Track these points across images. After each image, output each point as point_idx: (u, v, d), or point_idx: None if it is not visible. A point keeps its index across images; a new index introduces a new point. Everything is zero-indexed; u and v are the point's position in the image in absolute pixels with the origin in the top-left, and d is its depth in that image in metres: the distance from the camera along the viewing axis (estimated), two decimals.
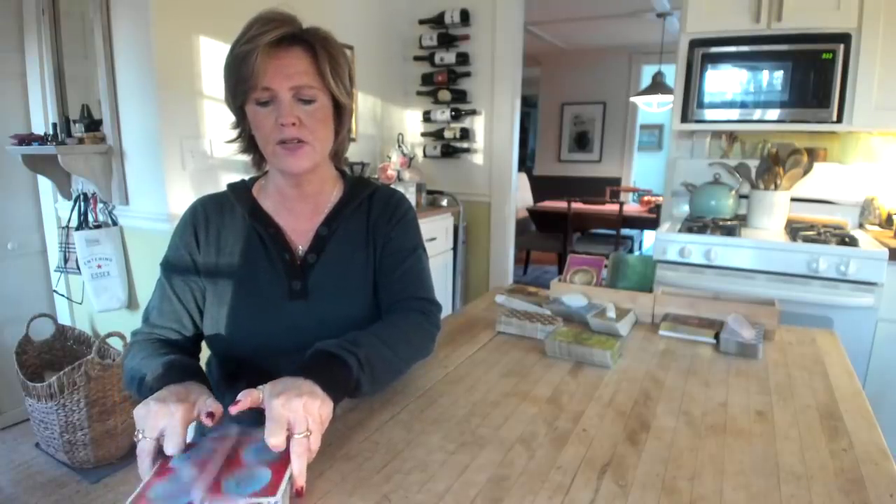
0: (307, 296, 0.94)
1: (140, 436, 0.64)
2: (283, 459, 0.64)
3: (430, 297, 1.02)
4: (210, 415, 0.67)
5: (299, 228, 0.98)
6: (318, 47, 0.88)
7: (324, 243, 0.97)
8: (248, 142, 0.96)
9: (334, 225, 0.98)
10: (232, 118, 0.95)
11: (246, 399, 0.66)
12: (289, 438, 0.64)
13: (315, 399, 0.67)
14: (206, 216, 0.98)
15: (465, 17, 3.03)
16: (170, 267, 0.97)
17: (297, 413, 0.64)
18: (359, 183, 1.05)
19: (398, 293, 0.99)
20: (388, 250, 1.00)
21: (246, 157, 1.01)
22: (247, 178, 1.04)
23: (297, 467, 0.63)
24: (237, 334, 0.94)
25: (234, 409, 0.66)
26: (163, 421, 0.64)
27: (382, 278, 0.99)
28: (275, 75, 0.85)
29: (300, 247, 0.98)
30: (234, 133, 0.98)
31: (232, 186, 1.02)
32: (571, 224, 4.55)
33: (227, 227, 0.98)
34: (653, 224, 4.43)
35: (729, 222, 2.30)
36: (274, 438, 0.63)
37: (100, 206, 2.22)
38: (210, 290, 0.96)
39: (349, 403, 0.88)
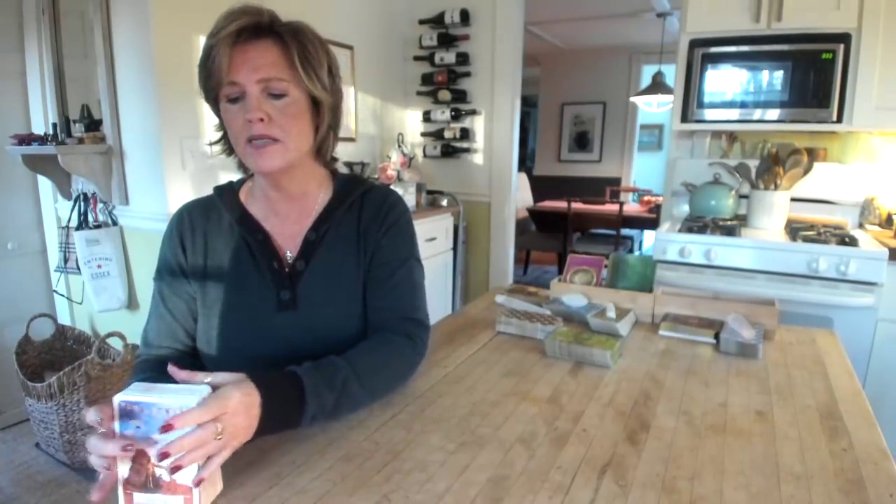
0: (296, 306, 0.90)
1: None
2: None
3: (419, 318, 0.96)
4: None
5: (287, 233, 0.94)
6: (288, 38, 0.82)
7: (313, 249, 0.92)
8: (230, 143, 0.90)
9: (323, 228, 0.93)
10: (216, 120, 0.91)
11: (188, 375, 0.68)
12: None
13: (243, 430, 0.66)
14: (191, 223, 0.94)
15: (465, 17, 3.03)
16: (162, 280, 0.94)
17: (231, 418, 0.64)
18: (350, 182, 0.98)
19: (386, 310, 0.94)
20: (377, 260, 0.94)
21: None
22: (235, 180, 1.00)
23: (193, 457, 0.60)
24: (225, 347, 0.90)
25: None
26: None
27: (370, 291, 0.94)
28: (240, 68, 0.80)
29: (289, 253, 0.93)
30: (218, 135, 0.93)
31: (219, 189, 0.98)
32: (571, 224, 4.55)
33: (213, 233, 0.93)
34: (653, 224, 4.43)
35: (729, 222, 2.30)
36: (199, 410, 0.61)
37: (100, 206, 2.22)
38: (199, 299, 0.92)
39: None
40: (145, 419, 0.60)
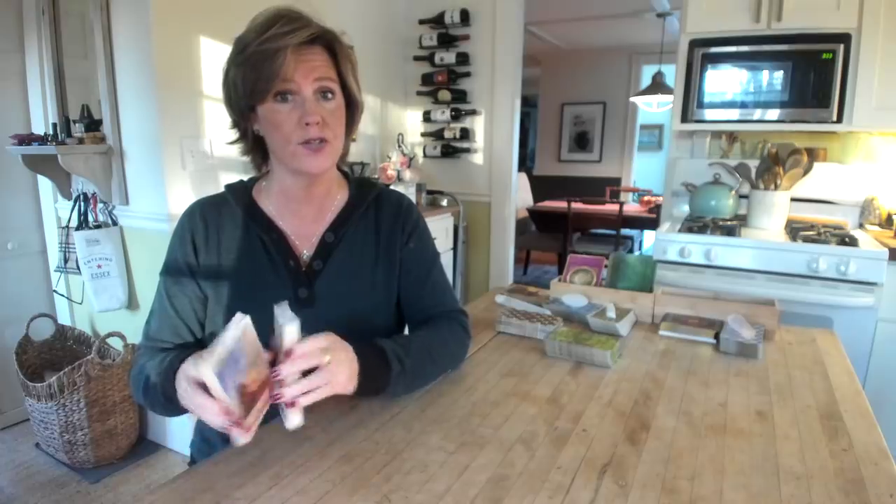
0: (314, 303, 0.93)
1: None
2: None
3: (460, 307, 1.07)
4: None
5: (303, 232, 0.96)
6: (337, 46, 0.89)
7: (330, 250, 0.95)
8: (253, 142, 0.93)
9: (342, 231, 0.97)
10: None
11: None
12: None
13: (348, 376, 0.75)
14: (204, 220, 0.94)
15: (465, 17, 3.03)
16: (168, 276, 0.94)
17: (334, 366, 0.72)
18: (362, 184, 1.03)
19: (433, 307, 1.03)
20: (409, 264, 1.01)
21: (245, 158, 0.98)
22: (245, 178, 1.01)
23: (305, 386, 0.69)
24: None
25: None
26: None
27: (412, 291, 1.02)
28: (299, 68, 0.84)
29: (304, 252, 0.95)
30: (235, 134, 0.94)
31: (231, 188, 0.99)
32: (571, 224, 4.55)
33: (226, 231, 0.95)
34: (653, 224, 4.42)
35: (729, 222, 2.30)
36: (308, 346, 0.70)
37: (100, 206, 2.22)
38: (212, 296, 0.93)
39: (350, 402, 0.88)
40: (231, 362, 0.66)
